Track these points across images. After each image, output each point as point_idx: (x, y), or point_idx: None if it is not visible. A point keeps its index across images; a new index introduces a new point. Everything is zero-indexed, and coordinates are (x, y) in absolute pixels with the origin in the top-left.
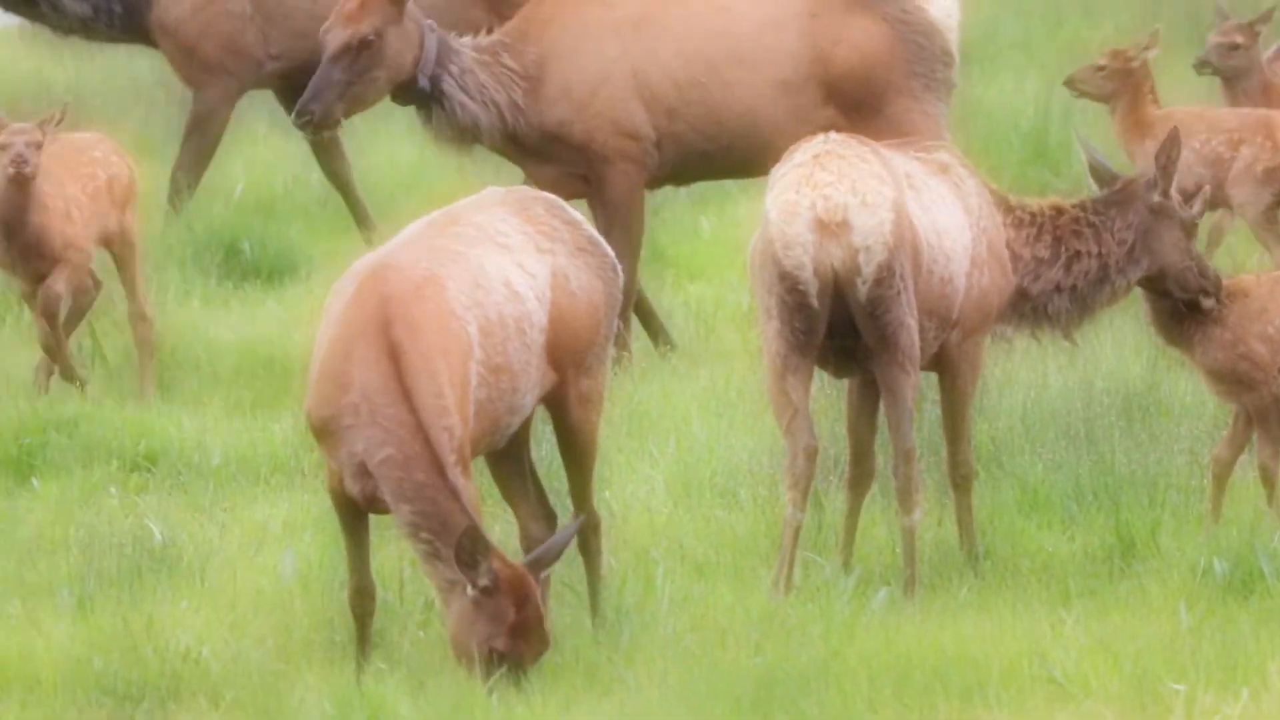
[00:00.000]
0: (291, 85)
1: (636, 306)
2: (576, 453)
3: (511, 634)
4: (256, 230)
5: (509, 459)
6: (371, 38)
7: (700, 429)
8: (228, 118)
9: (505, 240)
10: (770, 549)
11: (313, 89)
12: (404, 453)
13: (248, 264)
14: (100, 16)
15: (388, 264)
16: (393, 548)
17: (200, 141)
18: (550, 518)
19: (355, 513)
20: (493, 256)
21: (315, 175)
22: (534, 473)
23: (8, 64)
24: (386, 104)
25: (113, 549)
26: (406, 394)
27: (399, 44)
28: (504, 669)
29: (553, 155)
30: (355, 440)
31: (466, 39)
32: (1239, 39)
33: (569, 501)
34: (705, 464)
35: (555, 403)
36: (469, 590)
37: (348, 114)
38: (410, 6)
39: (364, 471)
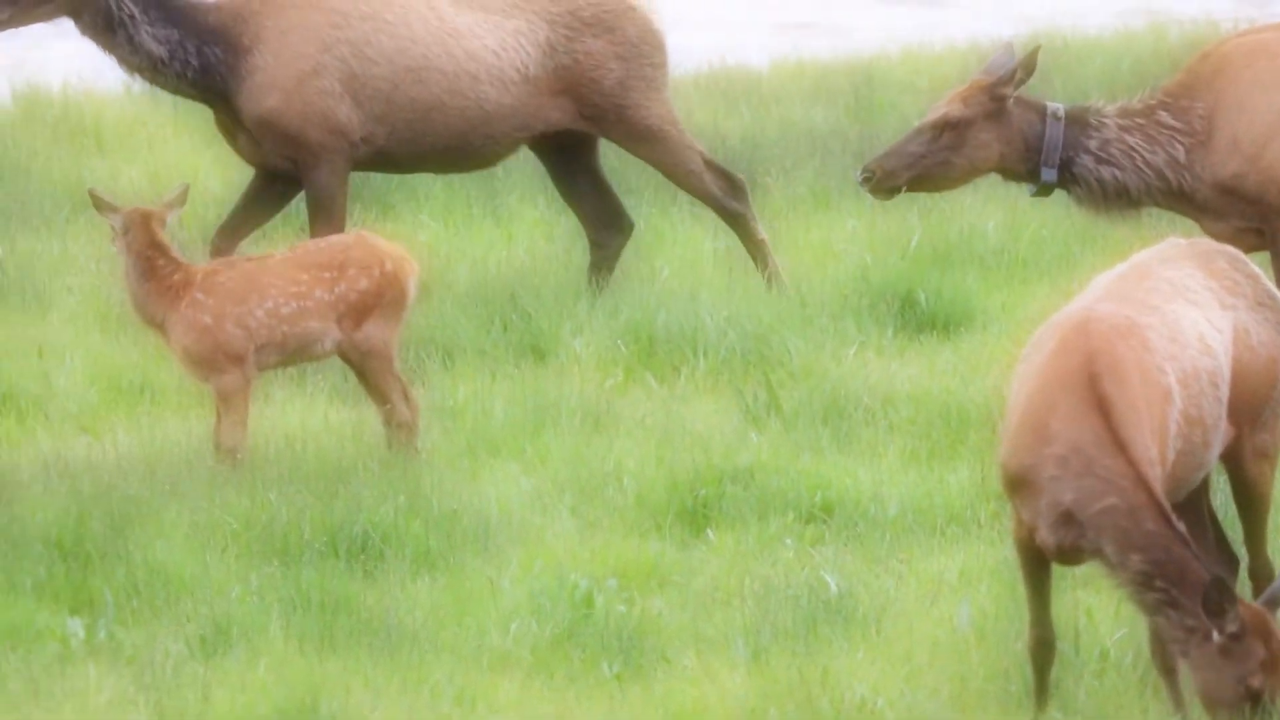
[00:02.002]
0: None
1: None
2: (1251, 505)
3: (1264, 669)
4: (932, 281)
5: (1188, 507)
6: (956, 123)
7: None
8: (346, 195)
9: (1194, 296)
10: None
11: (887, 149)
12: (1129, 503)
13: (924, 315)
14: (173, 64)
15: (1090, 317)
16: (1067, 598)
17: (329, 224)
18: (1233, 564)
19: (1041, 564)
20: (1186, 312)
21: (992, 225)
22: (1214, 519)
23: (683, 115)
24: None
25: (788, 601)
26: (1122, 446)
27: (988, 137)
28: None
29: (1225, 209)
30: (1061, 491)
31: (1112, 107)
32: None
33: (1243, 551)
34: None
35: (1230, 457)
36: (1215, 636)
37: (912, 187)
38: (1022, 106)
39: (1066, 521)
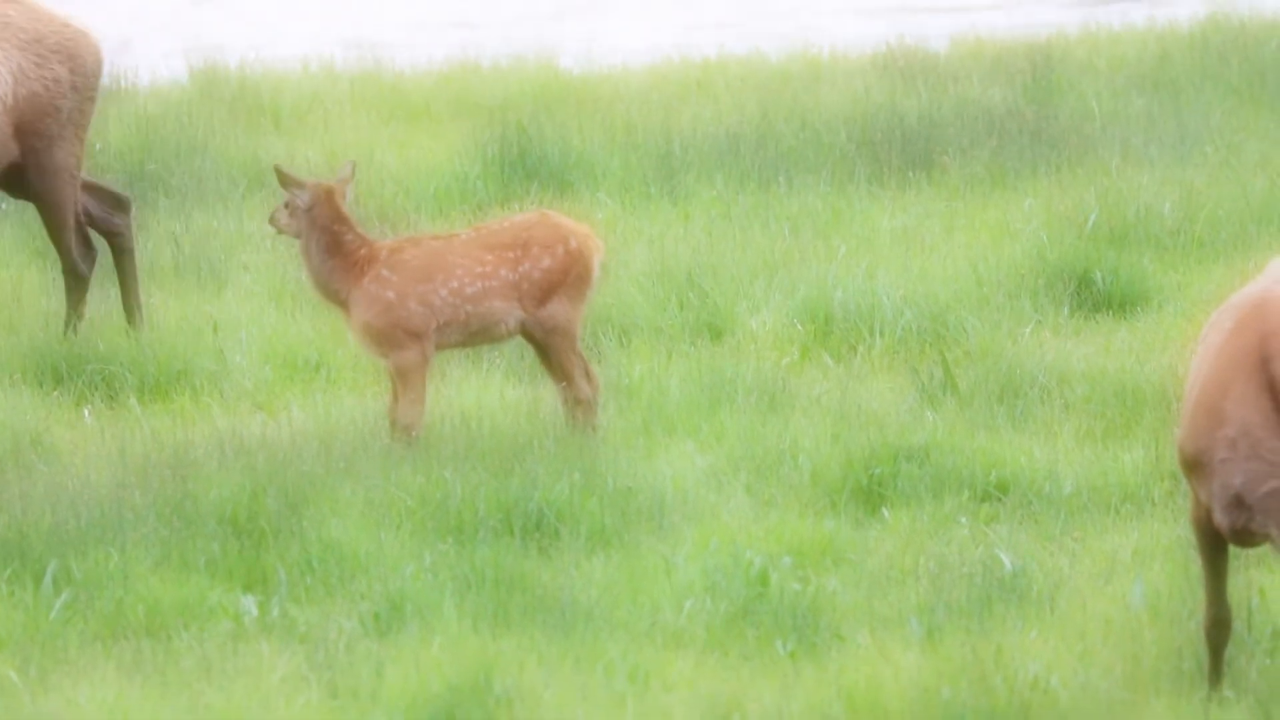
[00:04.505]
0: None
1: None
2: None
3: None
4: (1109, 261)
5: None
6: None
7: None
8: None
9: None
10: None
11: None
12: None
13: (1099, 294)
14: None
15: (1267, 299)
16: (1240, 577)
17: None
18: None
19: (1218, 544)
20: None
21: (1168, 205)
22: None
23: (860, 94)
24: None
25: (962, 579)
26: None
27: None
28: None
29: None
30: (1232, 474)
31: None
32: None
33: None
34: None
35: None
36: None
37: None
38: None
39: (1238, 505)
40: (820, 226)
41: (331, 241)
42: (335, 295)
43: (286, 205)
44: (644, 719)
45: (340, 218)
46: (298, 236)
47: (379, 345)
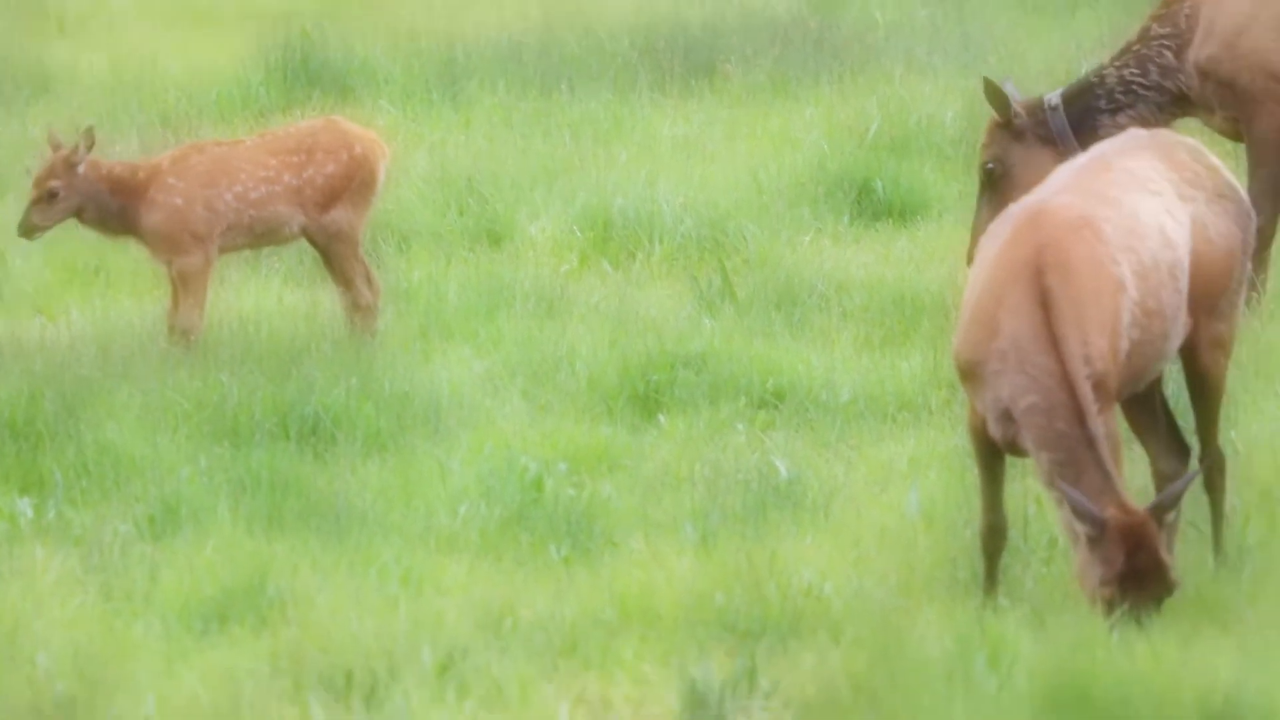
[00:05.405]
0: None
1: None
2: (1204, 394)
3: (1120, 581)
4: (889, 169)
5: (1141, 397)
6: (994, 168)
7: None
8: None
9: (1155, 187)
10: None
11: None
12: (1048, 401)
13: (880, 203)
14: None
15: (1043, 209)
16: (1017, 485)
17: None
18: (1183, 453)
19: (994, 453)
20: (1146, 203)
21: (950, 114)
22: (1166, 409)
23: (644, 2)
24: None
25: (738, 485)
26: (1054, 342)
27: (1023, 162)
28: (1124, 610)
29: (1209, 98)
30: (1001, 386)
31: (1108, 58)
32: None
33: (1194, 439)
34: None
35: (1186, 347)
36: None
37: None
38: (1028, 115)
39: (1007, 417)
40: (601, 134)
41: (114, 186)
42: (132, 225)
43: (44, 198)
44: (417, 623)
45: (109, 164)
46: (75, 213)
47: (165, 249)
